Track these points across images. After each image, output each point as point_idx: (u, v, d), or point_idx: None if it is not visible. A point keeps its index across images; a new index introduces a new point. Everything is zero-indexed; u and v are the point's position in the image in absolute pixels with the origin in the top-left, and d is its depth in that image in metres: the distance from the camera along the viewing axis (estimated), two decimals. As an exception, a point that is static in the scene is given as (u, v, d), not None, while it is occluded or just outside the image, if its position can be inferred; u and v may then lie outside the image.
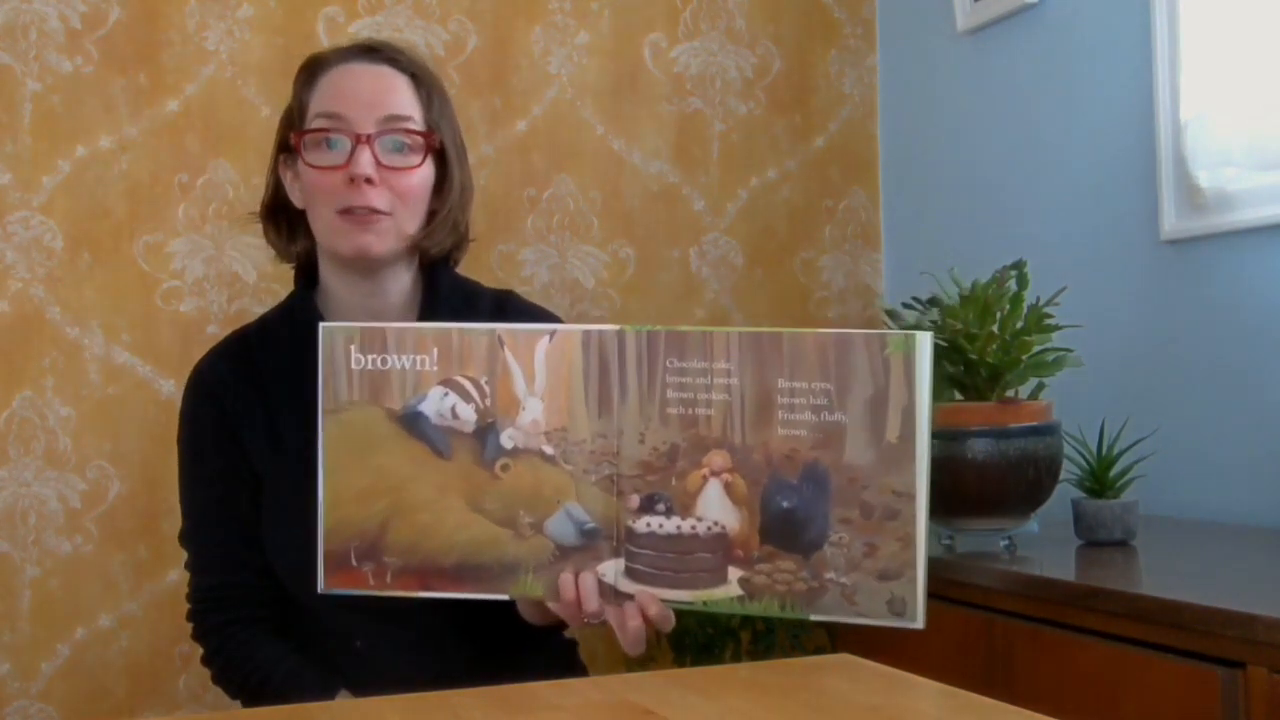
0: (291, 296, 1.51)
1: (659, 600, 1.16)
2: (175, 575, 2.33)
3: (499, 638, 1.44)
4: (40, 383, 2.29)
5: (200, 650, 1.48)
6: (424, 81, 1.43)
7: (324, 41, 2.41)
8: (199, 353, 1.53)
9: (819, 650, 2.39)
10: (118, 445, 2.32)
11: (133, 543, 2.32)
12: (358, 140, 1.36)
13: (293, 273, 1.52)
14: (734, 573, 1.14)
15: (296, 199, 1.45)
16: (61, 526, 2.29)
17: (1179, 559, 1.70)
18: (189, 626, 1.49)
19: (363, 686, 1.35)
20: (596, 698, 1.06)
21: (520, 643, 1.45)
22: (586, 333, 1.15)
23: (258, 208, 1.51)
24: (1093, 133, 2.26)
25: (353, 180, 1.35)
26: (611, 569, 1.17)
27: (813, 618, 1.13)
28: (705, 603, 1.14)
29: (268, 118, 2.38)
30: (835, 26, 2.82)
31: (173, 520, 2.33)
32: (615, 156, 2.65)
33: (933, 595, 1.70)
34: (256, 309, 2.34)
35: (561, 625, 1.36)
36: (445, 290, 1.47)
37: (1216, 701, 1.27)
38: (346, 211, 1.37)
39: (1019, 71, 2.44)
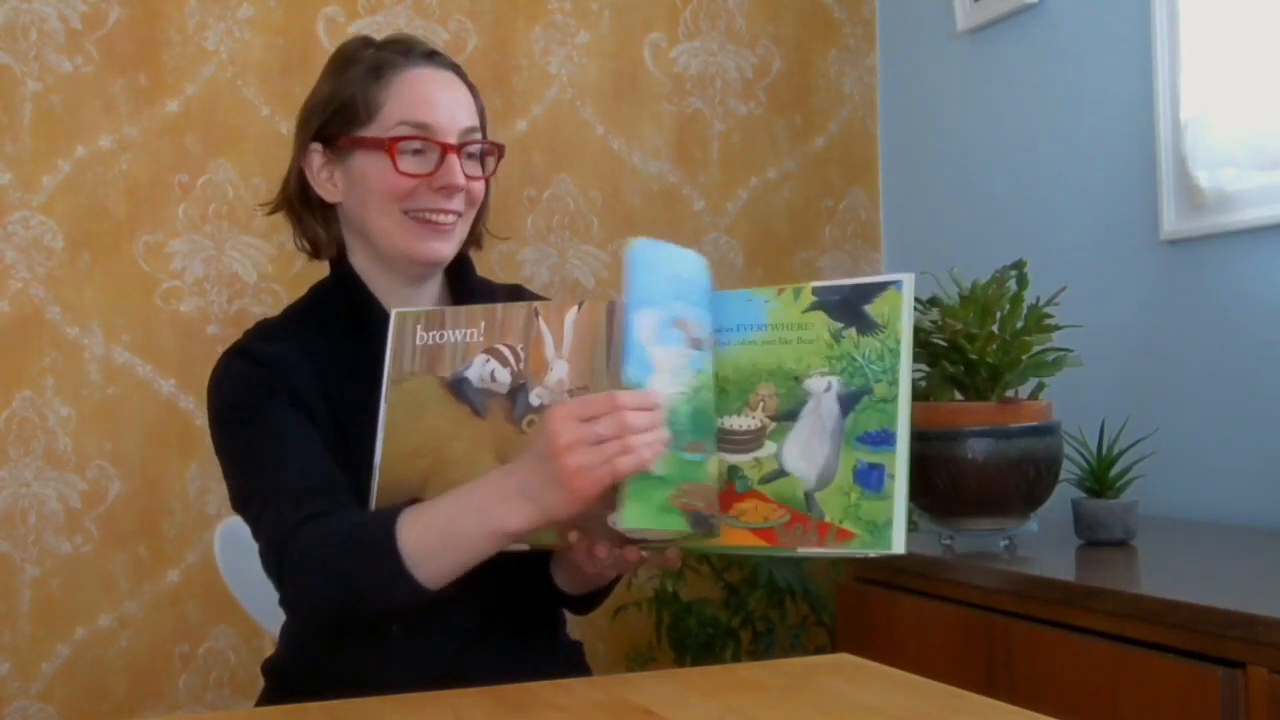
0: (320, 285, 1.50)
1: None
2: (175, 575, 2.34)
3: (523, 636, 1.45)
4: (40, 383, 2.29)
5: (282, 594, 1.28)
6: (474, 87, 1.48)
7: (324, 42, 2.41)
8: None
9: (819, 650, 2.39)
10: (118, 445, 2.32)
11: (133, 543, 2.32)
12: (446, 150, 1.39)
13: (290, 272, 1.52)
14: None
15: (328, 193, 1.44)
16: (61, 526, 2.29)
17: (1179, 559, 1.70)
18: (272, 580, 1.28)
19: (388, 672, 1.36)
20: (596, 698, 1.07)
21: (539, 644, 1.47)
22: (611, 303, 1.24)
23: (260, 205, 1.51)
24: (1093, 133, 2.26)
25: (443, 189, 1.39)
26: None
27: (799, 551, 1.13)
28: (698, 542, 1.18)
29: (267, 118, 2.38)
30: (835, 26, 2.82)
31: (172, 520, 2.36)
32: (615, 156, 2.65)
33: (933, 595, 1.71)
34: (256, 309, 2.34)
35: (595, 594, 1.43)
36: (476, 287, 1.52)
37: (1216, 701, 1.27)
38: (418, 215, 1.40)
39: (1019, 71, 2.44)
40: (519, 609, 1.45)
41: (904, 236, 2.80)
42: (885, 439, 1.12)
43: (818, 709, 1.00)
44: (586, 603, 1.47)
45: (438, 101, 1.40)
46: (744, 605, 2.37)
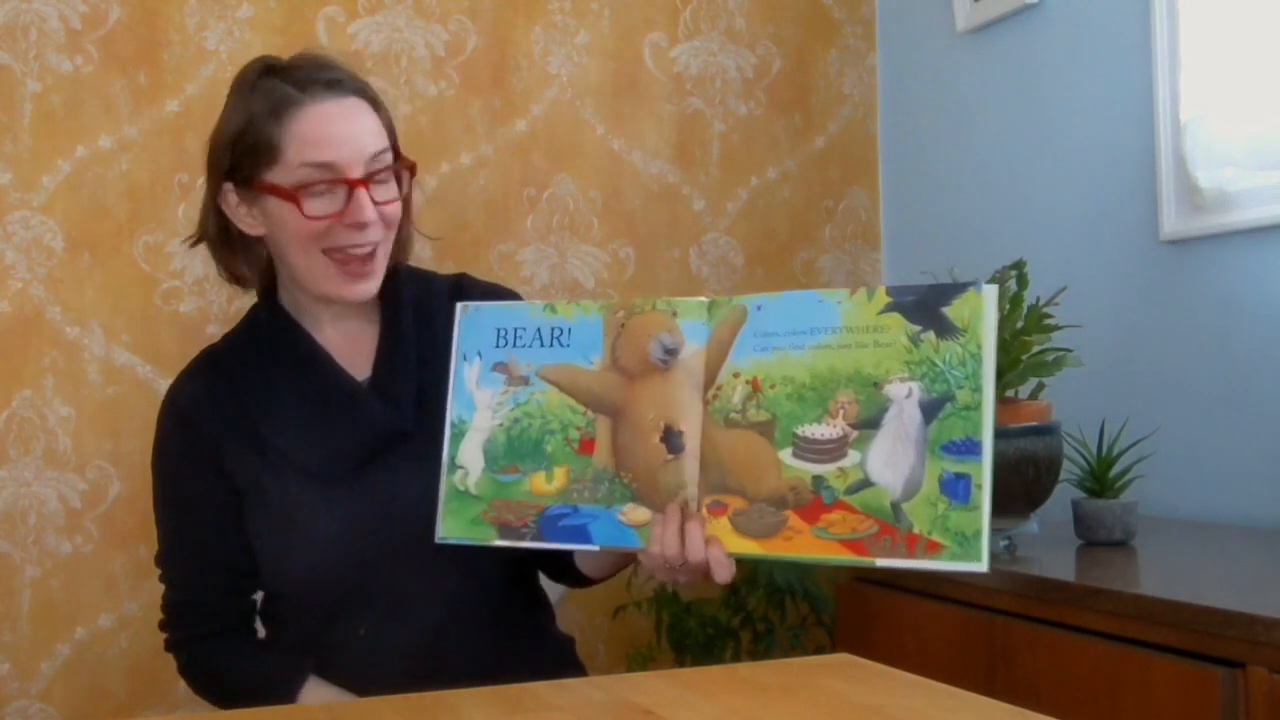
0: (254, 311, 1.51)
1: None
2: (175, 575, 2.34)
3: (502, 630, 1.45)
4: (40, 383, 2.29)
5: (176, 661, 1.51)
6: (379, 104, 1.43)
7: (324, 42, 2.41)
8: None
9: (819, 650, 2.39)
10: (118, 445, 2.32)
11: (133, 543, 2.32)
12: (353, 185, 1.35)
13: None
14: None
15: (249, 227, 1.43)
16: (61, 526, 2.29)
17: (1179, 559, 1.70)
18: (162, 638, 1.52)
19: (364, 673, 1.36)
20: (596, 698, 1.07)
21: (522, 638, 1.46)
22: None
23: (184, 240, 1.52)
24: (1093, 133, 2.26)
25: (354, 225, 1.36)
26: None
27: (878, 563, 1.11)
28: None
29: (268, 118, 2.38)
30: (835, 26, 2.82)
31: (173, 520, 2.35)
32: (615, 156, 2.65)
33: (933, 595, 1.71)
34: (256, 309, 2.34)
35: (611, 575, 1.46)
36: (404, 277, 1.50)
37: (1216, 701, 1.27)
38: (338, 254, 1.38)
39: (1019, 71, 2.44)
40: (491, 601, 1.44)
41: (904, 236, 2.80)
42: (971, 448, 1.09)
43: (818, 709, 1.00)
44: (598, 581, 1.49)
45: (339, 137, 1.35)
46: (744, 605, 2.37)
